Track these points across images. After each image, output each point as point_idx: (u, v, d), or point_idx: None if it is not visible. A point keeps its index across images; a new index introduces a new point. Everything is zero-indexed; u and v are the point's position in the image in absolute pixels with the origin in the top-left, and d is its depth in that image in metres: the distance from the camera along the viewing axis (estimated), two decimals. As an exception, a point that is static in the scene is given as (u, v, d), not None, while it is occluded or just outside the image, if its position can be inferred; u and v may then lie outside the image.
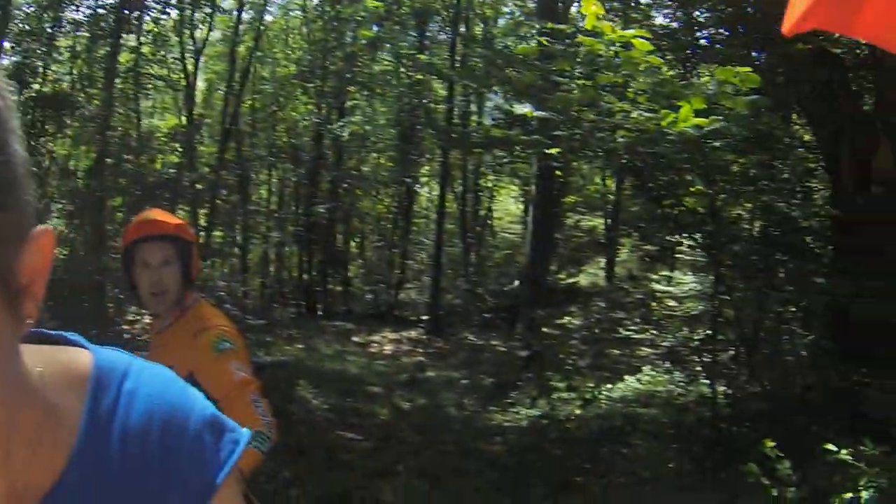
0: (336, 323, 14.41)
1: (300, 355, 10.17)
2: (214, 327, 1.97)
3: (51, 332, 0.55)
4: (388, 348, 11.77)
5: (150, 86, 15.86)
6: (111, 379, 0.53)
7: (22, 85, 12.82)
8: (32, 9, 13.98)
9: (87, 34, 13.82)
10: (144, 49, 14.55)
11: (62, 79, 14.34)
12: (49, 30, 13.35)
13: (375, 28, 17.32)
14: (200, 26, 15.28)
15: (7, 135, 0.43)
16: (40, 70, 13.46)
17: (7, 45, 13.15)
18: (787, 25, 0.69)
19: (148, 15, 14.14)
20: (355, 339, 12.48)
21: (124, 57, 14.70)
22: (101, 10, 13.72)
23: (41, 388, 0.48)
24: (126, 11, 13.14)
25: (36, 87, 13.22)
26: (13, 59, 13.27)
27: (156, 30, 14.52)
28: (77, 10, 13.92)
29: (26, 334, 0.47)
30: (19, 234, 0.44)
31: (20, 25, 13.55)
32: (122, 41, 13.61)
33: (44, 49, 13.38)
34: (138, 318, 8.09)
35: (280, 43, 20.55)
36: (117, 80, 13.88)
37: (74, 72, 14.13)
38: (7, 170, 0.42)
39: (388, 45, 18.16)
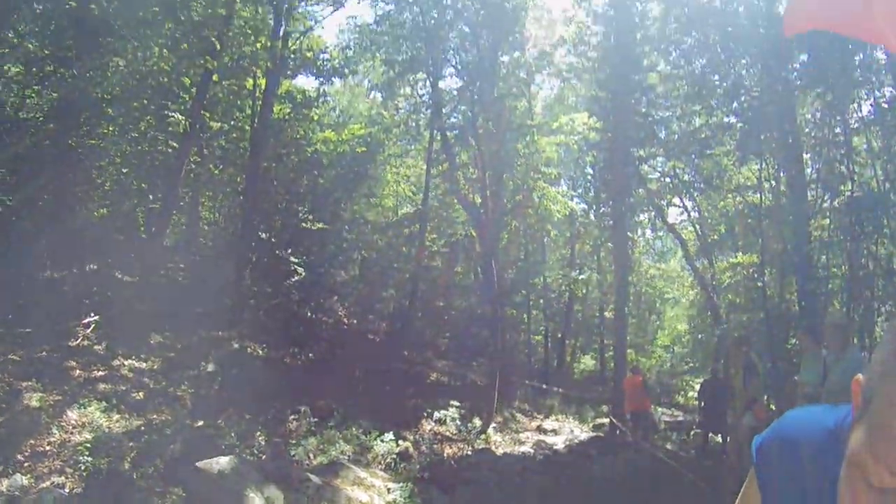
0: None
1: None
2: None
3: None
4: None
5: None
6: None
7: (832, 191, 12.87)
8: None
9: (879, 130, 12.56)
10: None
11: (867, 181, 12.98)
12: (841, 134, 12.60)
13: None
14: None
15: None
16: (845, 174, 12.48)
17: (806, 156, 13.11)
18: (788, 26, 0.67)
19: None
20: None
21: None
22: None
23: None
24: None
25: (846, 191, 12.42)
26: (816, 167, 13.19)
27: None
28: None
29: None
30: None
31: (812, 134, 13.13)
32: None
33: (842, 153, 12.55)
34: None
35: None
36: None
37: (878, 170, 12.60)
38: None
39: None
